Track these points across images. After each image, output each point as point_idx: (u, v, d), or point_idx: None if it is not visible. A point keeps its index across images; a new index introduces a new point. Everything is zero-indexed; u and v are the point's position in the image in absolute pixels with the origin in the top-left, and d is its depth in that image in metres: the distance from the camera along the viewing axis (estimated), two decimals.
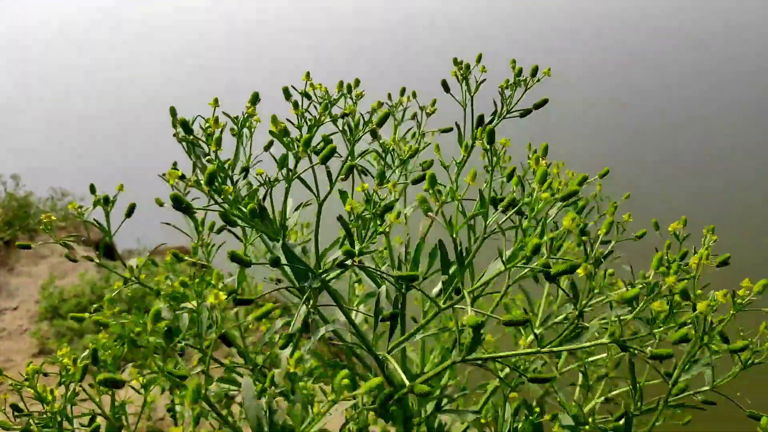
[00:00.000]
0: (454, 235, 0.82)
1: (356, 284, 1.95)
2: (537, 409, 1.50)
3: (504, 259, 0.83)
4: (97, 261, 1.35)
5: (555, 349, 1.01)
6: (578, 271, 0.80)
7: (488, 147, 1.00)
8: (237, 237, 1.28)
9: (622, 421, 1.64)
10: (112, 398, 1.44)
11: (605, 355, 1.81)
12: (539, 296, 1.82)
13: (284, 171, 0.87)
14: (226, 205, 0.83)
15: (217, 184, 0.83)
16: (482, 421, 1.48)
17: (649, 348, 0.93)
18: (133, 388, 1.43)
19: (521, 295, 2.07)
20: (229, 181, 0.86)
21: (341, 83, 1.14)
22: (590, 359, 1.78)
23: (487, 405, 1.65)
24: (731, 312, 1.17)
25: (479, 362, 1.13)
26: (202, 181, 0.75)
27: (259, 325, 1.70)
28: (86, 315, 1.28)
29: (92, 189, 1.27)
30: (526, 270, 1.00)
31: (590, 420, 1.49)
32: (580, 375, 1.98)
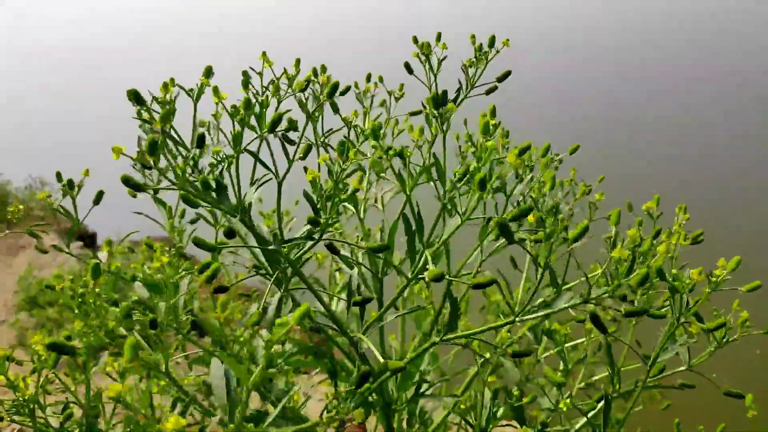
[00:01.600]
0: (408, 192, 0.81)
1: (337, 273, 1.94)
2: (516, 393, 1.49)
3: (460, 214, 0.83)
4: (66, 250, 1.34)
5: (531, 316, 1.01)
6: (528, 218, 0.80)
7: (436, 114, 1.00)
8: (207, 221, 1.27)
9: (601, 404, 1.64)
10: (87, 387, 1.43)
11: (584, 339, 1.80)
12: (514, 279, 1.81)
13: (235, 143, 0.87)
14: (174, 180, 0.82)
15: (169, 160, 0.82)
16: (461, 406, 1.47)
17: (624, 305, 0.92)
18: (109, 375, 1.41)
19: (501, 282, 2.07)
20: (180, 157, 0.86)
21: (298, 61, 1.13)
22: (569, 344, 1.77)
23: (467, 391, 1.64)
24: (707, 290, 1.17)
25: (459, 342, 1.13)
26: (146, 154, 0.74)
27: (234, 312, 1.69)
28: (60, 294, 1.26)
29: (58, 177, 1.26)
30: (490, 238, 1.00)
31: (567, 401, 1.48)
32: (561, 362, 1.98)
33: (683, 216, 1.43)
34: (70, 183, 1.22)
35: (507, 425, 1.54)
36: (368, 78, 1.52)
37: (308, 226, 0.96)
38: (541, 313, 0.97)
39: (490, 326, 1.05)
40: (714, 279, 1.21)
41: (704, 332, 1.24)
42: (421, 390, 1.49)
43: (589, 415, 1.47)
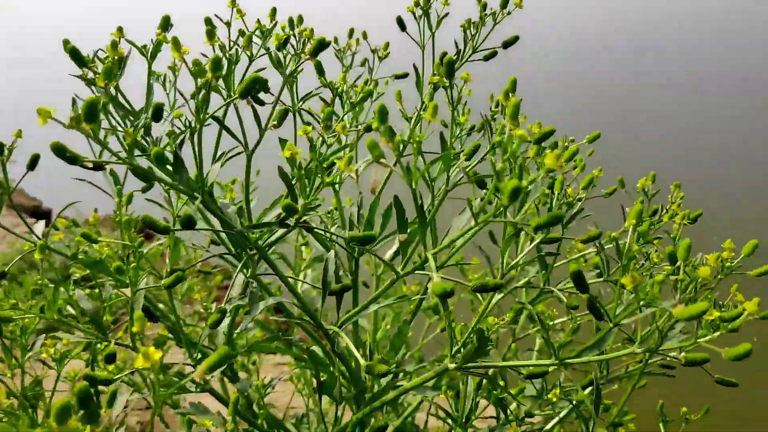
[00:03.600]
0: (414, 186, 0.67)
1: (303, 247, 1.79)
2: (502, 383, 1.39)
3: (474, 212, 0.69)
4: None
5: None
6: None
7: (447, 83, 0.85)
8: (158, 204, 1.10)
9: (589, 390, 1.55)
10: (22, 376, 1.27)
11: (566, 318, 1.72)
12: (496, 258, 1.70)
13: (199, 110, 0.70)
14: (119, 153, 0.65)
15: (114, 127, 0.65)
16: (441, 396, 1.36)
17: (683, 354, 0.81)
18: (44, 363, 1.26)
19: (476, 260, 1.96)
20: (128, 124, 0.68)
21: (274, 10, 0.96)
22: (552, 323, 1.68)
23: (445, 379, 1.53)
24: (719, 277, 1.06)
25: (479, 372, 1.00)
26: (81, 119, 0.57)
27: (193, 294, 1.53)
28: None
29: None
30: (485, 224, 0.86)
31: (557, 391, 1.39)
32: (537, 341, 1.89)
33: (678, 194, 1.37)
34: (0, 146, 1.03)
35: (489, 417, 1.45)
36: (350, 33, 1.35)
37: (283, 212, 0.80)
38: (587, 358, 0.84)
39: (522, 363, 0.92)
40: (728, 264, 1.11)
41: (720, 321, 1.15)
42: (399, 379, 1.38)
43: (576, 402, 1.38)
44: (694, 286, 0.84)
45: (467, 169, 0.77)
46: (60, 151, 0.62)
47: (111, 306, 1.23)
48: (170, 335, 1.33)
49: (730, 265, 1.00)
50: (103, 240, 1.02)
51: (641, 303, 0.74)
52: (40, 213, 6.97)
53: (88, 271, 1.26)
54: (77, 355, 1.27)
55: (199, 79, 0.68)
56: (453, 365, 0.89)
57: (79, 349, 1.25)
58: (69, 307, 1.22)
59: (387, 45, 1.38)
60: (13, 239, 5.25)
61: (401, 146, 0.62)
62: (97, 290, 1.23)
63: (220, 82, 0.76)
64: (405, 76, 1.34)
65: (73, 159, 0.63)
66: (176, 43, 0.70)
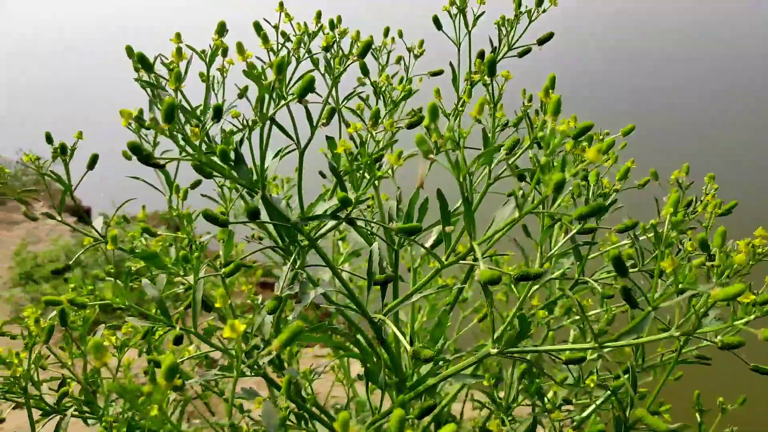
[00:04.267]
0: (461, 179, 0.71)
1: (340, 242, 1.84)
2: (536, 371, 1.43)
3: (518, 203, 0.73)
4: (58, 218, 1.22)
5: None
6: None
7: (489, 81, 0.89)
8: (212, 199, 1.16)
9: (626, 375, 1.58)
10: (84, 363, 1.35)
11: (600, 310, 1.74)
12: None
13: (259, 110, 0.75)
14: (191, 150, 0.71)
15: (180, 124, 0.71)
16: (485, 383, 1.40)
17: (719, 338, 0.84)
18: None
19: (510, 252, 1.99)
20: (196, 124, 0.74)
21: (319, 14, 1.01)
22: (589, 313, 1.71)
23: (482, 368, 1.57)
24: (750, 263, 1.09)
25: (521, 357, 1.04)
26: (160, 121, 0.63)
27: (242, 286, 1.60)
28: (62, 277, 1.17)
29: (48, 138, 1.14)
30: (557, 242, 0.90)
31: (594, 377, 1.42)
32: (571, 332, 1.92)
33: (712, 185, 1.38)
34: (63, 147, 1.10)
35: (528, 404, 1.49)
36: (386, 32, 1.39)
37: (334, 203, 0.86)
38: (625, 342, 0.88)
39: (564, 347, 0.95)
40: (760, 250, 1.13)
41: (754, 305, 1.17)
42: (438, 367, 1.42)
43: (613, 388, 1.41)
44: (729, 272, 0.87)
45: (510, 163, 0.81)
46: (136, 149, 0.67)
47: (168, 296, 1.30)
48: (221, 324, 1.39)
49: (762, 251, 1.02)
50: (161, 234, 1.08)
51: (680, 286, 0.78)
52: (80, 211, 7.16)
53: (142, 264, 1.33)
54: (135, 344, 1.34)
55: (260, 81, 0.74)
56: (495, 350, 0.94)
57: (138, 338, 1.32)
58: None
59: (422, 43, 1.42)
60: (56, 236, 5.41)
61: (450, 142, 0.67)
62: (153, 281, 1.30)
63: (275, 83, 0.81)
64: (441, 73, 1.37)
65: (147, 157, 0.69)
66: (240, 48, 0.76)
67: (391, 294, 1.34)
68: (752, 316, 0.80)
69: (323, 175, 1.26)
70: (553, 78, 0.85)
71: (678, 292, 0.79)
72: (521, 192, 0.74)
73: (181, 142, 0.75)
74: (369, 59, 1.40)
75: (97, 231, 1.24)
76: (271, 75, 0.79)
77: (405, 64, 1.41)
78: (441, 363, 1.44)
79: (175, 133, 0.70)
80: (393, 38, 1.43)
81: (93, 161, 1.19)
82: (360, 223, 1.07)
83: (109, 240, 0.94)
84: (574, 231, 0.90)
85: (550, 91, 0.79)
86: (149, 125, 0.65)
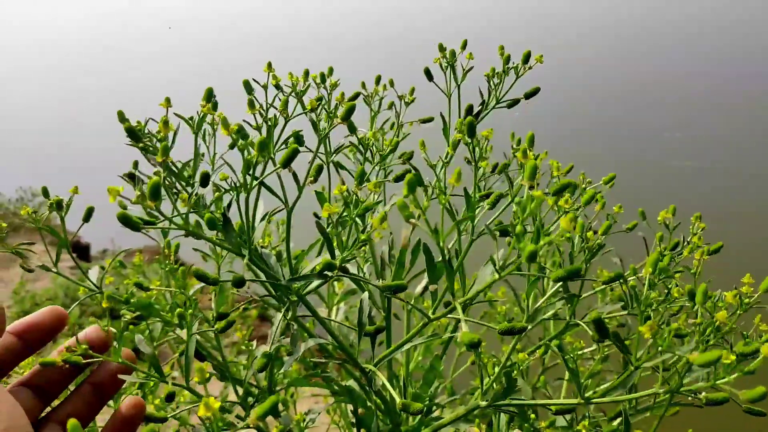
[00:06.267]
0: (441, 244, 0.73)
1: (335, 281, 1.86)
2: (533, 416, 1.43)
3: (497, 267, 0.75)
4: (53, 270, 1.24)
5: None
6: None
7: (469, 141, 0.91)
8: (203, 253, 1.18)
9: (618, 421, 1.58)
10: None
11: (594, 347, 1.75)
12: (522, 288, 1.74)
13: (245, 177, 0.77)
14: (179, 221, 0.73)
15: (168, 195, 0.73)
16: (476, 430, 1.40)
17: (704, 394, 0.85)
18: None
19: (504, 289, 2.00)
20: (185, 190, 0.76)
21: (306, 72, 1.04)
22: (579, 351, 1.71)
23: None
24: (738, 312, 1.09)
25: (510, 410, 1.05)
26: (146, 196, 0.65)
27: (235, 331, 1.61)
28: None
29: (45, 193, 1.16)
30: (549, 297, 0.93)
31: (585, 423, 1.42)
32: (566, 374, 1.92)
33: (699, 225, 1.37)
34: (58, 203, 1.12)
35: None
36: (377, 80, 1.43)
37: (322, 260, 0.87)
38: (611, 398, 0.89)
39: (553, 402, 0.96)
40: (746, 300, 1.13)
41: (738, 356, 1.18)
42: (432, 411, 1.43)
43: None
44: (712, 328, 0.88)
45: (490, 222, 0.83)
46: (126, 221, 0.69)
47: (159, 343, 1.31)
48: (214, 372, 1.40)
49: (749, 300, 1.03)
50: (154, 289, 1.10)
51: (659, 349, 0.79)
52: (80, 247, 7.17)
53: (138, 313, 1.34)
54: (129, 393, 1.35)
55: (246, 153, 0.76)
56: (484, 403, 0.95)
57: (134, 389, 1.33)
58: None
59: (413, 90, 1.45)
60: (54, 275, 5.41)
61: (426, 208, 0.69)
62: (147, 330, 1.32)
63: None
64: (431, 120, 1.40)
65: (136, 227, 0.71)
66: (225, 123, 0.78)
67: (385, 335, 1.35)
68: (733, 377, 0.81)
69: (317, 216, 1.28)
70: (532, 136, 0.87)
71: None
72: (501, 252, 0.76)
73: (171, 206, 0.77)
74: (361, 105, 1.43)
75: (92, 282, 1.26)
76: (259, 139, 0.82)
77: (396, 111, 1.44)
78: (434, 408, 1.45)
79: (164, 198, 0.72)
80: (384, 85, 1.46)
81: (88, 214, 1.21)
82: (351, 272, 1.08)
83: (105, 298, 0.96)
84: (556, 287, 0.92)
85: (529, 151, 0.81)
86: (135, 201, 0.67)
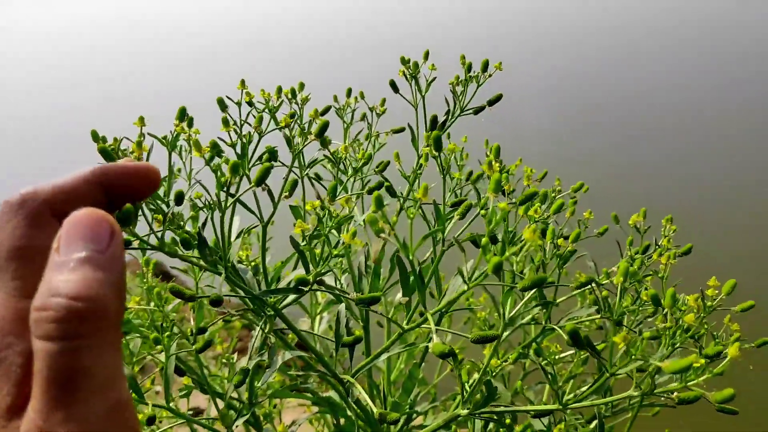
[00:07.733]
0: (411, 257, 0.75)
1: (318, 292, 1.86)
2: (508, 421, 1.45)
3: (466, 278, 0.77)
4: None
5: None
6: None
7: (437, 154, 0.93)
8: (182, 270, 1.18)
9: (594, 424, 1.60)
10: None
11: (573, 351, 1.77)
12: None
13: (221, 195, 0.79)
14: (153, 241, 0.74)
15: (143, 214, 0.74)
16: None
17: (676, 394, 0.87)
18: None
19: (486, 295, 2.02)
20: (159, 209, 0.77)
21: (279, 89, 1.06)
22: (558, 356, 1.74)
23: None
24: (702, 315, 1.12)
25: (489, 417, 1.07)
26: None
27: (216, 347, 1.61)
28: None
29: None
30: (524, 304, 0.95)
31: (561, 426, 1.44)
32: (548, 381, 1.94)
33: (670, 227, 1.40)
34: None
35: None
36: (348, 93, 1.45)
37: (297, 275, 0.89)
38: (588, 402, 0.91)
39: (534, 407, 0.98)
40: (709, 303, 1.17)
41: (704, 358, 1.21)
42: (412, 419, 1.44)
43: None
44: (681, 331, 0.91)
45: (460, 232, 0.85)
46: None
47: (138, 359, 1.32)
48: (194, 386, 1.41)
49: (711, 304, 1.06)
50: (133, 308, 1.10)
51: (632, 357, 0.82)
52: None
53: None
54: None
55: (218, 174, 0.78)
56: (465, 411, 0.96)
57: None
58: None
59: (383, 101, 1.48)
60: None
61: (394, 223, 0.71)
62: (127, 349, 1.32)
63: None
64: (402, 130, 1.43)
65: None
66: (197, 145, 0.80)
67: (364, 345, 1.37)
68: (701, 378, 0.84)
69: (293, 243, 1.30)
70: (498, 148, 0.90)
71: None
72: (470, 263, 0.78)
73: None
74: (334, 118, 1.45)
75: None
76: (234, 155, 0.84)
77: (368, 122, 1.46)
78: (414, 416, 1.46)
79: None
80: (356, 98, 1.48)
81: None
82: (329, 283, 1.10)
83: None
84: (531, 294, 0.94)
85: (494, 163, 0.83)
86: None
